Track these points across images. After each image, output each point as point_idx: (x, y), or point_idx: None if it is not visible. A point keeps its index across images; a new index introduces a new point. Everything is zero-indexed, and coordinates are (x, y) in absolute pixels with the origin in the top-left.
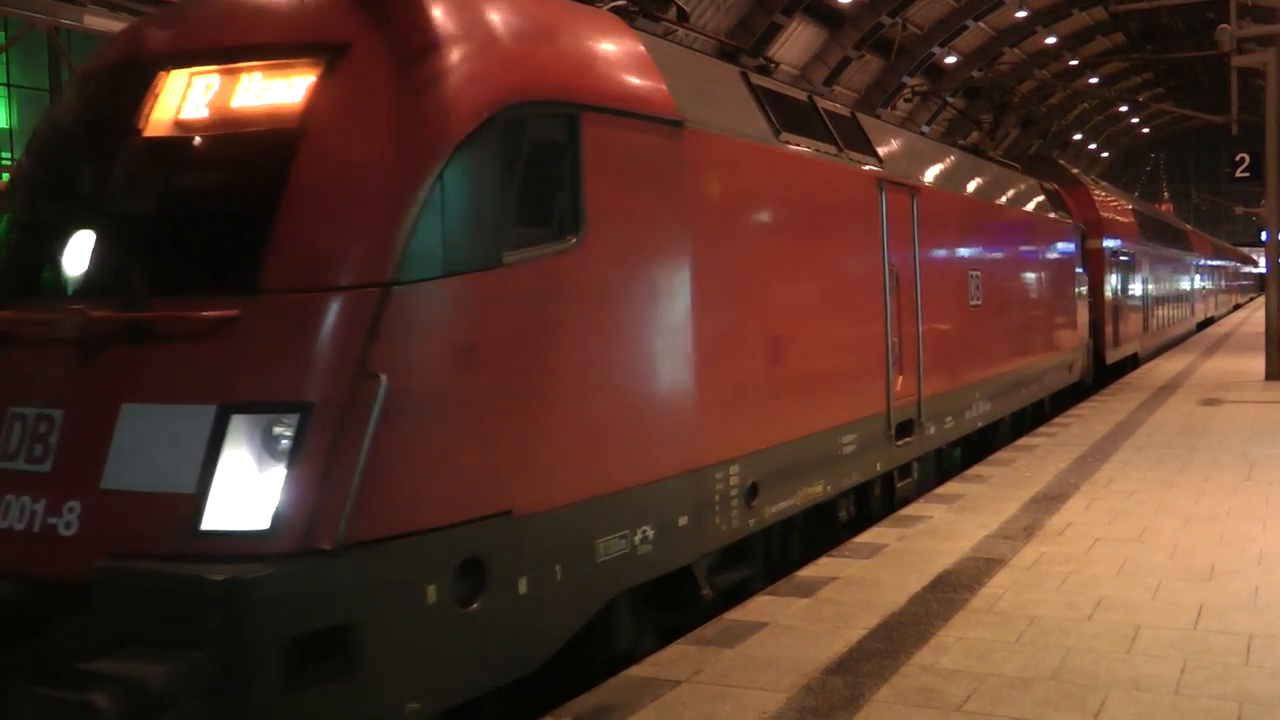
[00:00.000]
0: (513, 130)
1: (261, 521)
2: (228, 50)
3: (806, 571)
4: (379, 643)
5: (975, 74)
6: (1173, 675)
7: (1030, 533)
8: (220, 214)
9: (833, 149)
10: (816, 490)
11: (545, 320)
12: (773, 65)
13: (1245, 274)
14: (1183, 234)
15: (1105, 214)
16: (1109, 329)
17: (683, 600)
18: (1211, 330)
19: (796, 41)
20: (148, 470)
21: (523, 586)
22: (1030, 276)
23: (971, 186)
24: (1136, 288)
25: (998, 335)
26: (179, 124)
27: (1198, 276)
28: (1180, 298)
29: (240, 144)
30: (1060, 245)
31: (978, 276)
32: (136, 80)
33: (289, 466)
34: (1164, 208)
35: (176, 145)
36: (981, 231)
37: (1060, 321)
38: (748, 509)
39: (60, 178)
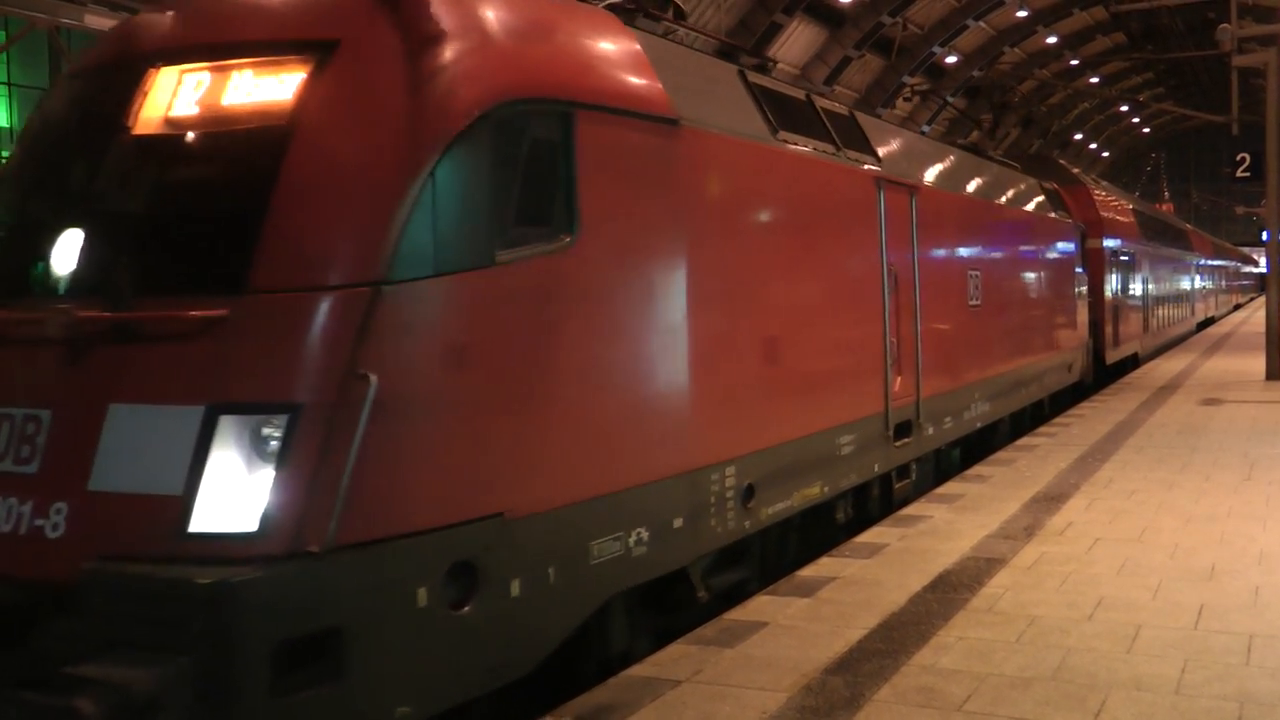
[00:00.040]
0: (505, 128)
1: (250, 523)
2: (218, 47)
3: (807, 571)
4: (369, 646)
5: (975, 73)
6: (1173, 675)
7: (1031, 532)
8: (209, 212)
9: (831, 148)
10: (814, 491)
11: (539, 320)
12: (771, 64)
13: (1246, 274)
14: (1183, 234)
15: (1105, 214)
16: (1109, 329)
17: (678, 602)
18: (1212, 330)
19: (797, 41)
20: (136, 471)
21: (515, 589)
22: (1030, 276)
23: (971, 186)
24: (1136, 287)
25: (997, 335)
26: (169, 121)
27: (1198, 276)
28: (1180, 297)
29: (230, 142)
30: (1060, 245)
31: (977, 276)
32: (126, 77)
33: (278, 468)
34: (1164, 207)
35: (166, 143)
36: (981, 231)
37: (1060, 321)
38: (744, 510)
39: (48, 176)
